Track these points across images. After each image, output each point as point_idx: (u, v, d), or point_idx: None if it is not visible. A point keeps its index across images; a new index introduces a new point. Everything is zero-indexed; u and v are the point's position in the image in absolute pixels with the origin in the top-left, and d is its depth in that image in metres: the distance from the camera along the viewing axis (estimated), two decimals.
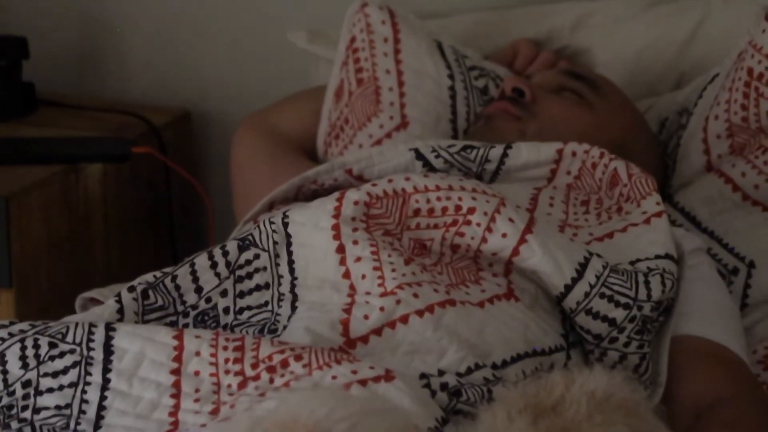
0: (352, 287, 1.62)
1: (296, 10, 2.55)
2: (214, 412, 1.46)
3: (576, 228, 1.78)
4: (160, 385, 1.48)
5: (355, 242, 1.64)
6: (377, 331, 1.55)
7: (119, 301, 1.64)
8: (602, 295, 1.63)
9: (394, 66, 2.17)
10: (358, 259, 1.63)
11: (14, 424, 1.53)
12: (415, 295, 1.57)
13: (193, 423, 1.45)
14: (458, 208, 1.69)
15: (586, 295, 1.63)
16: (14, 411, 1.52)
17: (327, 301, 1.62)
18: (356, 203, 1.69)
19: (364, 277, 1.61)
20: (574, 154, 1.86)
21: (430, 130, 2.14)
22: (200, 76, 2.70)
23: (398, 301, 1.57)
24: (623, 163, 1.85)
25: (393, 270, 1.61)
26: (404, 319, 1.56)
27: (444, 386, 1.48)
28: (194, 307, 1.67)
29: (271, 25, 2.59)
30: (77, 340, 1.52)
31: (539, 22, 2.36)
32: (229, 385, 1.47)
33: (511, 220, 1.66)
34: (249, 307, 1.66)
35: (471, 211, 1.68)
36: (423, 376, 1.50)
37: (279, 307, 1.65)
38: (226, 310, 1.66)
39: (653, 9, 2.31)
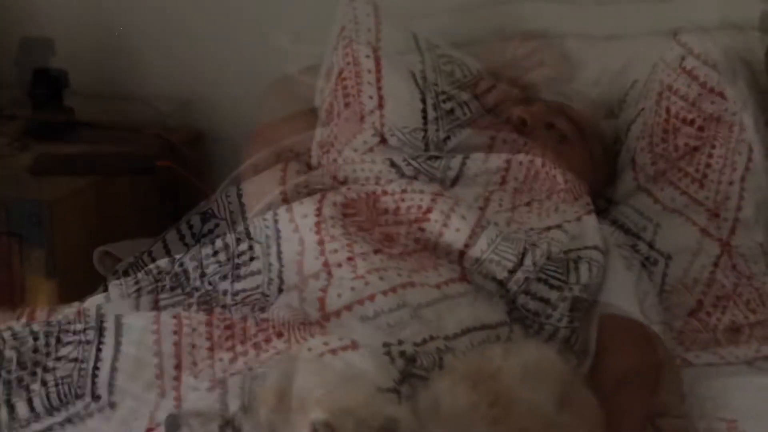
0: (329, 273, 1.71)
1: (287, 10, 2.66)
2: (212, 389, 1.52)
3: (519, 224, 1.87)
4: (163, 354, 1.54)
5: (333, 237, 1.75)
6: (348, 307, 1.65)
7: (139, 290, 1.76)
8: (539, 280, 1.75)
9: (376, 93, 2.23)
10: (335, 251, 1.74)
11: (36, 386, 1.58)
12: (381, 278, 1.68)
13: (193, 399, 1.49)
14: (419, 207, 1.81)
15: (526, 279, 1.75)
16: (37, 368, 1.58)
17: (308, 286, 1.71)
18: (334, 204, 1.82)
19: (339, 265, 1.72)
20: (520, 163, 1.99)
21: (403, 107, 2.19)
22: (201, 71, 2.79)
23: (366, 283, 1.67)
24: (561, 172, 1.96)
25: (364, 260, 1.72)
26: (371, 298, 1.66)
27: (402, 353, 1.56)
28: (198, 289, 1.78)
29: (262, 27, 2.67)
30: (90, 323, 1.58)
31: (491, 20, 2.49)
32: (221, 359, 1.54)
33: (463, 217, 1.78)
34: (244, 290, 1.75)
35: (429, 210, 1.79)
36: (385, 344, 1.57)
37: (268, 290, 1.74)
38: (225, 292, 1.76)
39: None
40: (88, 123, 2.72)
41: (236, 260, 1.78)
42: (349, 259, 1.72)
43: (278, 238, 1.79)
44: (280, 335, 1.56)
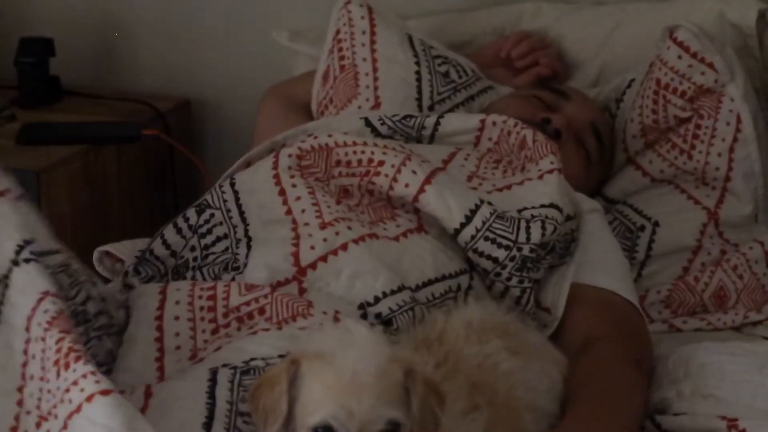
0: (294, 221, 1.73)
1: (282, 12, 2.69)
2: (191, 359, 1.53)
3: (482, 179, 1.87)
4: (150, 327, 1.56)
5: (294, 186, 1.77)
6: (323, 258, 1.67)
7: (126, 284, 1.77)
8: (486, 238, 1.74)
9: (370, 54, 2.25)
10: (298, 198, 1.75)
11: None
12: (349, 228, 1.70)
13: (175, 370, 1.50)
14: (370, 161, 1.81)
15: (473, 237, 1.74)
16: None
17: (274, 236, 1.72)
18: (290, 156, 1.83)
19: (303, 211, 1.73)
20: (494, 123, 1.98)
21: (399, 108, 2.18)
22: (199, 70, 2.83)
23: (337, 233, 1.69)
24: (531, 131, 1.95)
25: (328, 206, 1.73)
26: (344, 247, 1.68)
27: (378, 315, 1.63)
28: (173, 266, 1.79)
29: (259, 25, 2.72)
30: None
31: (490, 21, 2.50)
32: (203, 330, 1.56)
33: (414, 172, 1.77)
34: (213, 253, 1.76)
35: (380, 163, 1.79)
36: (361, 306, 1.63)
37: (237, 248, 1.73)
38: (194, 259, 1.77)
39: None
40: (74, 91, 2.75)
41: (200, 230, 1.80)
42: (314, 204, 1.75)
43: (237, 199, 1.80)
44: (262, 311, 1.59)
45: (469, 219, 1.75)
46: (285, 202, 1.76)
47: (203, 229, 1.79)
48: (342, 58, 2.28)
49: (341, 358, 1.30)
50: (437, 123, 2.00)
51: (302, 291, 1.67)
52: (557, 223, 1.79)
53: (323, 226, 1.71)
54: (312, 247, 1.69)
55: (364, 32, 2.28)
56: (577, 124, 2.16)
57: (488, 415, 1.43)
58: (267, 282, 1.66)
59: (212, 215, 1.79)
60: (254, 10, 2.77)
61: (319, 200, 1.75)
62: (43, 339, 1.34)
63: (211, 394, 1.41)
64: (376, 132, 1.99)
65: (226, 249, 1.76)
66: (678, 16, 2.26)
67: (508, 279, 1.76)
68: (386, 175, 1.78)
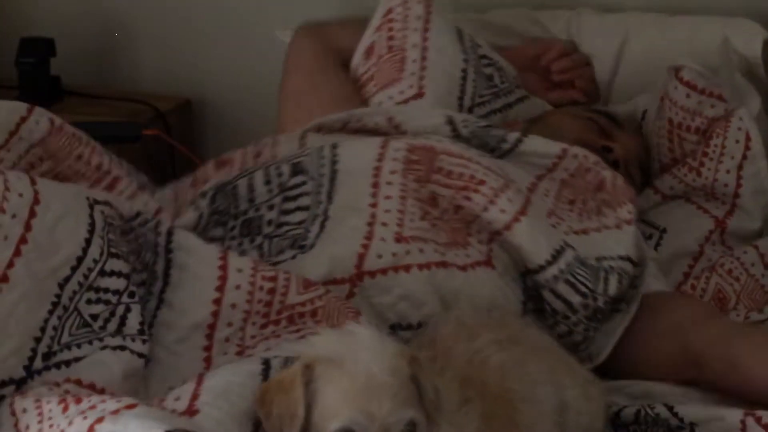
0: (373, 216, 1.71)
1: (282, 12, 2.68)
2: (238, 355, 1.53)
3: (559, 219, 1.85)
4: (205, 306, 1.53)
5: (389, 183, 1.75)
6: (384, 272, 1.67)
7: (196, 207, 1.75)
8: (567, 281, 1.74)
9: (421, 42, 2.22)
10: (389, 197, 1.74)
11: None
12: (421, 250, 1.70)
13: (222, 362, 1.50)
14: (472, 177, 1.78)
15: (555, 277, 1.73)
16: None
17: (348, 224, 1.71)
18: (397, 149, 1.80)
19: (388, 211, 1.72)
20: (575, 156, 1.96)
21: (441, 102, 2.17)
22: (199, 70, 2.85)
23: (407, 252, 1.68)
24: (611, 174, 1.94)
25: (411, 220, 1.72)
26: (407, 269, 1.68)
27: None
28: (244, 213, 1.76)
29: (259, 25, 2.72)
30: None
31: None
32: (254, 323, 1.55)
33: (510, 200, 1.76)
34: (288, 223, 1.74)
35: (481, 182, 1.77)
36: (393, 327, 1.65)
37: (311, 225, 1.72)
38: (269, 222, 1.74)
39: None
40: (75, 91, 2.76)
41: (286, 193, 1.77)
42: (400, 212, 1.74)
43: (333, 177, 1.78)
44: (314, 314, 1.58)
45: (554, 258, 1.75)
46: (374, 195, 1.74)
47: (291, 193, 1.77)
48: (391, 38, 2.25)
49: (353, 360, 1.30)
50: (519, 140, 1.98)
51: (351, 295, 1.66)
52: (629, 277, 1.80)
53: (398, 239, 1.71)
54: (379, 256, 1.68)
55: (419, 17, 2.25)
56: (629, 155, 2.18)
57: (481, 408, 1.44)
58: (325, 276, 1.65)
59: (304, 182, 1.78)
60: (255, 11, 2.78)
61: (407, 209, 1.74)
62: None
63: (265, 377, 1.41)
64: (456, 133, 1.97)
65: (301, 222, 1.73)
66: (681, 40, 2.30)
67: (575, 324, 1.77)
68: (484, 195, 1.77)
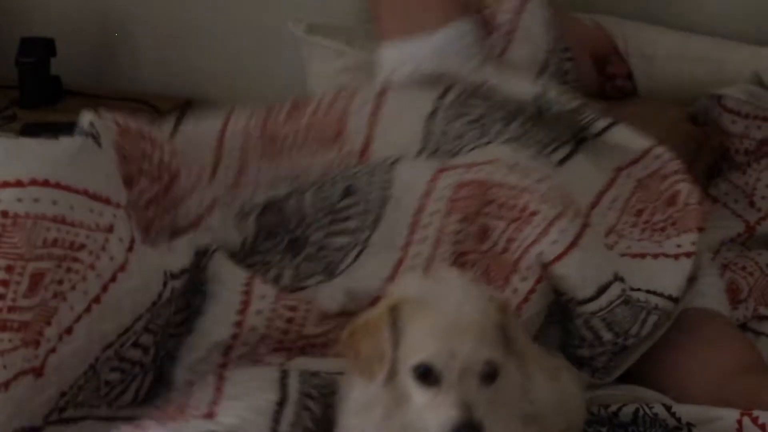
0: (402, 258, 1.68)
1: (283, 12, 2.67)
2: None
3: (619, 236, 1.81)
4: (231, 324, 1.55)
5: (428, 224, 1.70)
6: None
7: (242, 230, 1.71)
8: (604, 319, 1.70)
9: (515, 16, 2.15)
10: (423, 239, 1.69)
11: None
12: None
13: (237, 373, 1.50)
14: (524, 209, 1.72)
15: (593, 313, 1.69)
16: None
17: (379, 261, 1.68)
18: (445, 187, 1.74)
19: (418, 255, 1.68)
20: (657, 157, 1.90)
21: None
22: (199, 70, 2.85)
23: None
24: (688, 187, 1.86)
25: (443, 261, 1.67)
26: None
27: None
28: (293, 231, 1.73)
29: (260, 25, 2.74)
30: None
31: None
32: (267, 345, 1.56)
33: (563, 230, 1.70)
34: (327, 247, 1.71)
35: (533, 213, 1.70)
36: None
37: (350, 253, 1.69)
38: (314, 243, 1.72)
39: None
40: (75, 91, 2.76)
41: (335, 215, 1.75)
42: (429, 256, 1.69)
43: (382, 204, 1.75)
44: (325, 346, 1.59)
45: (599, 293, 1.70)
46: (410, 235, 1.71)
47: (340, 216, 1.74)
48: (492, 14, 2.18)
49: (444, 301, 1.31)
50: (607, 128, 1.92)
51: None
52: (667, 315, 1.76)
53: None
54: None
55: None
56: (715, 144, 2.24)
57: None
58: (339, 309, 1.63)
59: (356, 203, 1.75)
60: (255, 10, 2.79)
61: (437, 254, 1.69)
62: None
63: (283, 384, 1.43)
64: (541, 110, 1.91)
65: (341, 248, 1.72)
66: (708, 75, 2.33)
67: (599, 355, 1.74)
68: (537, 226, 1.71)
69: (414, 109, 1.88)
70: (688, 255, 1.80)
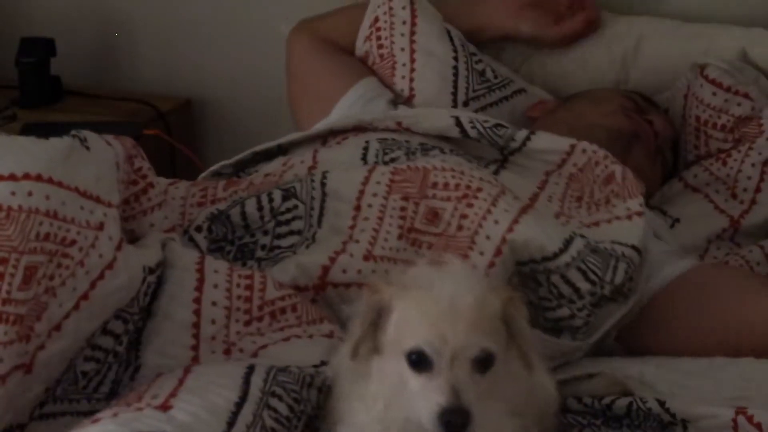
0: (349, 237, 1.72)
1: (283, 11, 2.63)
2: (226, 353, 1.55)
3: (569, 217, 1.87)
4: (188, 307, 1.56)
5: (370, 206, 1.76)
6: (347, 285, 1.67)
7: (191, 239, 1.74)
8: (578, 269, 1.74)
9: (409, 45, 2.28)
10: (366, 218, 1.74)
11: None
12: (386, 271, 1.68)
13: (210, 362, 1.52)
14: (468, 186, 1.77)
15: (567, 264, 1.73)
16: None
17: (326, 244, 1.72)
18: (383, 173, 1.80)
19: (363, 231, 1.73)
20: (584, 151, 1.95)
21: (431, 102, 2.22)
22: (199, 69, 2.86)
23: (374, 270, 1.68)
24: (620, 168, 1.93)
25: (386, 240, 1.72)
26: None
27: None
28: (240, 238, 1.76)
29: (259, 25, 2.74)
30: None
31: None
32: (237, 320, 1.57)
33: (510, 203, 1.76)
34: (279, 247, 1.75)
35: (479, 189, 1.76)
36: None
37: (299, 248, 1.73)
38: (263, 247, 1.75)
39: None
40: (75, 91, 2.77)
41: (279, 217, 1.78)
42: (375, 230, 1.74)
43: (323, 200, 1.79)
44: (294, 309, 1.61)
45: (566, 246, 1.75)
46: (354, 218, 1.75)
47: (283, 218, 1.78)
48: (381, 47, 2.31)
49: (440, 287, 1.32)
50: (528, 138, 1.97)
51: (314, 301, 1.68)
52: (635, 267, 1.81)
53: (366, 258, 1.71)
54: (344, 271, 1.69)
55: (404, 22, 2.30)
56: (666, 133, 2.21)
57: None
58: (289, 282, 1.66)
59: (296, 206, 1.79)
60: (255, 10, 2.79)
61: (382, 229, 1.74)
62: None
63: (247, 380, 1.43)
64: (464, 134, 1.97)
65: (292, 245, 1.75)
66: (698, 52, 2.29)
67: (579, 309, 1.77)
68: (484, 200, 1.76)
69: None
70: (639, 214, 1.86)
